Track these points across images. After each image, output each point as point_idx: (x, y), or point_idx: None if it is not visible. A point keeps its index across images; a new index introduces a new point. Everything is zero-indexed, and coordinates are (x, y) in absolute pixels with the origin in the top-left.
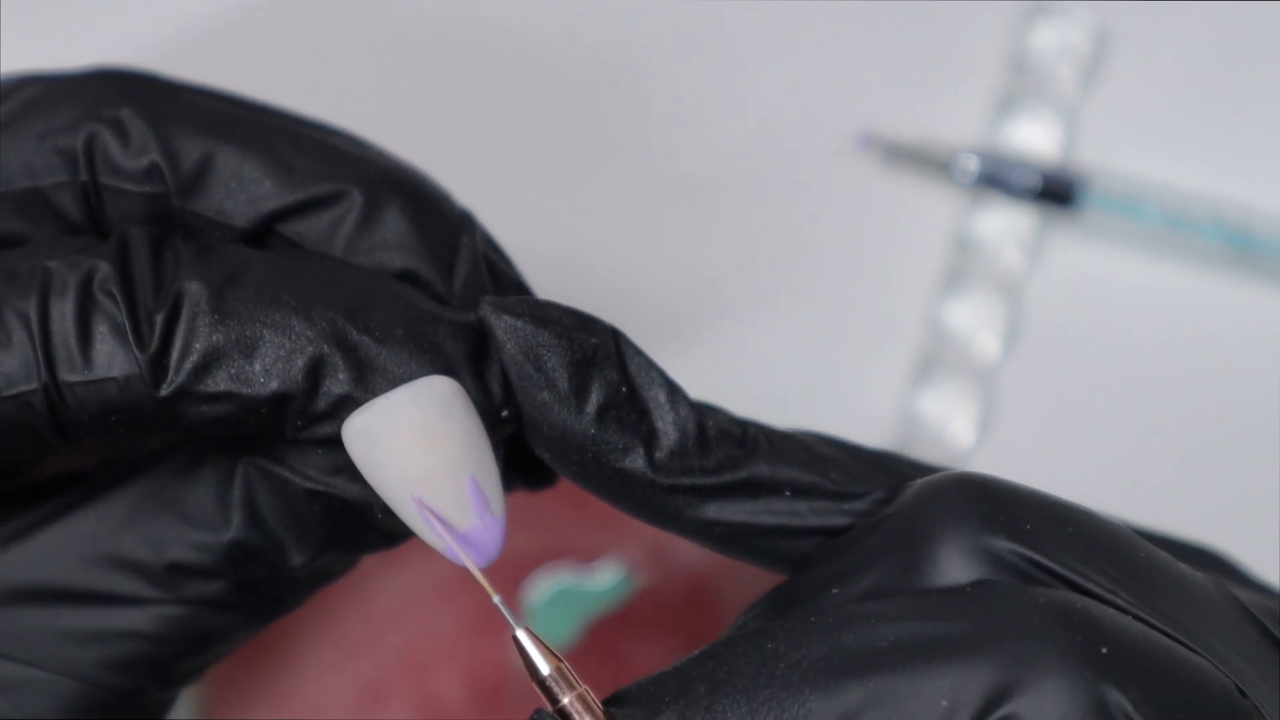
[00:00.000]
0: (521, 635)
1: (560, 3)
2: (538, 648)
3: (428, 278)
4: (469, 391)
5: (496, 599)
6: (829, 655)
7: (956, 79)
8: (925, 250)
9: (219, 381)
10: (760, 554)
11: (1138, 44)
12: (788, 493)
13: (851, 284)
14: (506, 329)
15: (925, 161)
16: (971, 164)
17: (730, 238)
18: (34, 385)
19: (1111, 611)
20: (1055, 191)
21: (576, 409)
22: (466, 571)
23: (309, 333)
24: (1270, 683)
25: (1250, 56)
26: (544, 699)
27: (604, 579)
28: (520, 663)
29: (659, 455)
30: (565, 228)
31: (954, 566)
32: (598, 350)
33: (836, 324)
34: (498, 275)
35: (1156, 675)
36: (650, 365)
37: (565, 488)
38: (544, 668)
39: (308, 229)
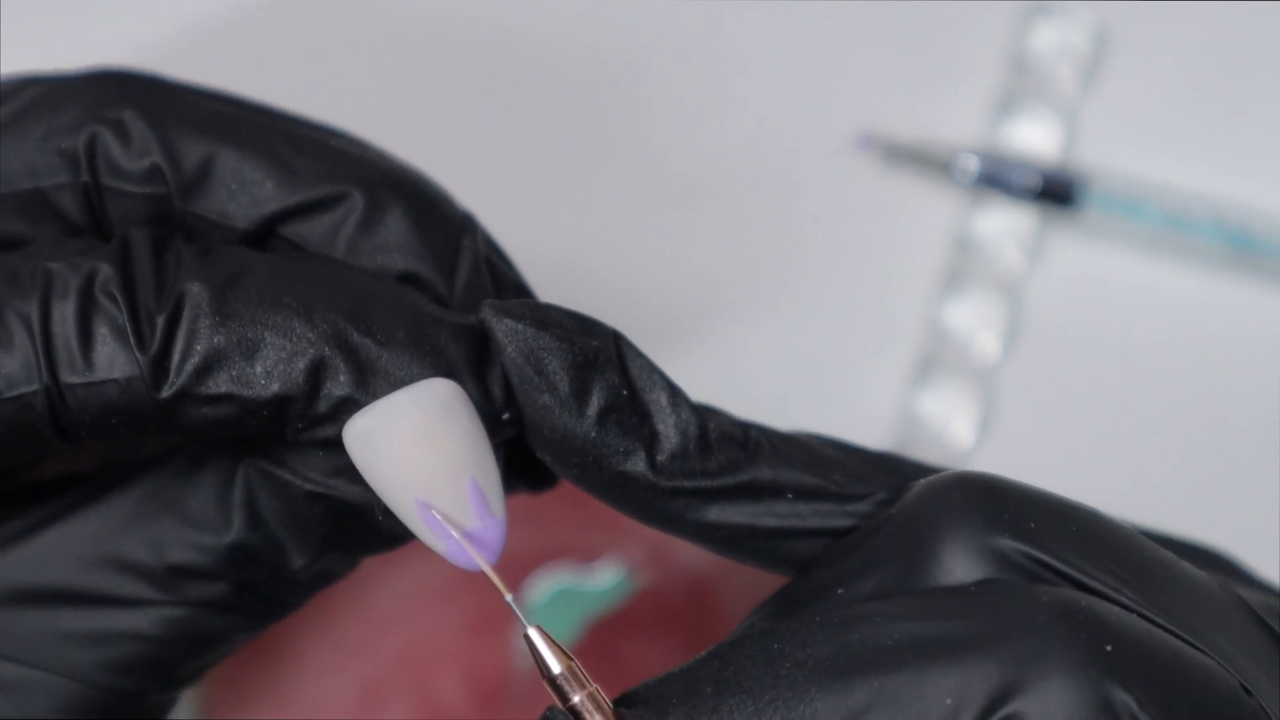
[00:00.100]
0: (533, 634)
1: (560, 3)
2: (549, 646)
3: (429, 280)
4: (470, 394)
5: (509, 597)
6: (834, 655)
7: (956, 79)
8: (925, 250)
9: (220, 383)
10: (762, 556)
11: (1138, 44)
12: (790, 495)
13: (851, 284)
14: (507, 332)
15: (925, 161)
16: (971, 164)
17: (730, 238)
18: (35, 387)
19: (1116, 610)
20: (1055, 191)
21: (577, 412)
22: (466, 573)
23: (310, 335)
24: (1275, 681)
25: (1250, 56)
26: (555, 697)
27: (604, 579)
28: (520, 663)
29: (660, 458)
30: (564, 228)
31: (958, 565)
32: (599, 353)
33: (836, 324)
34: (499, 277)
35: (1161, 674)
36: (651, 368)
37: (566, 488)
38: (555, 666)
39: (309, 231)
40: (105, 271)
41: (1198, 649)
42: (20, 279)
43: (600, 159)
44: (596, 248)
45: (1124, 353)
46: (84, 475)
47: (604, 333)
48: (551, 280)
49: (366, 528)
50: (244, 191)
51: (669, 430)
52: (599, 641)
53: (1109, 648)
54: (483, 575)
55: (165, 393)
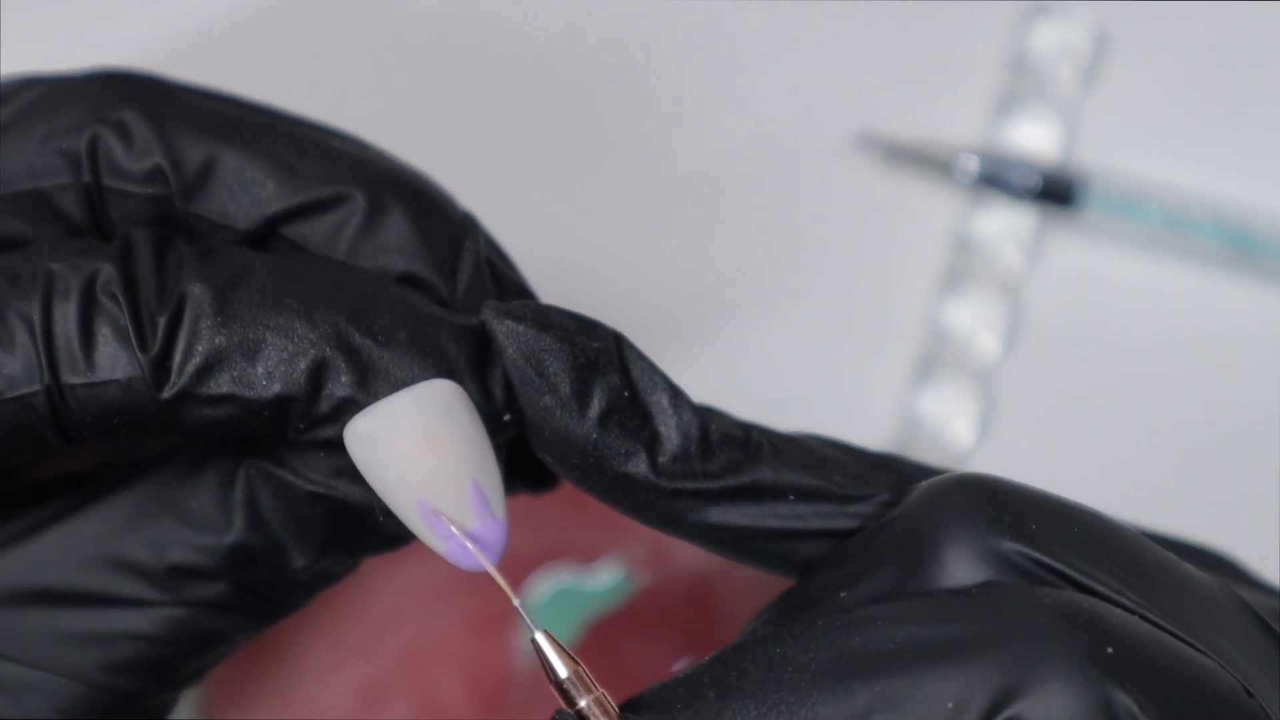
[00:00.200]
0: (540, 638)
1: (560, 3)
2: (556, 651)
3: (430, 281)
4: (471, 395)
5: (516, 601)
6: (836, 659)
7: (956, 79)
8: (925, 250)
9: (221, 384)
10: (764, 557)
11: (1138, 44)
12: (791, 496)
13: (851, 284)
14: (508, 334)
15: (925, 161)
16: (971, 164)
17: (730, 238)
18: (36, 387)
19: (1117, 612)
20: (1055, 191)
21: (578, 414)
22: (466, 573)
23: (311, 335)
24: (1276, 682)
25: (1250, 56)
26: (562, 702)
27: (604, 579)
28: (520, 663)
29: (662, 460)
30: (564, 228)
31: (960, 568)
32: (600, 355)
33: (836, 324)
34: (500, 278)
35: (1162, 676)
36: (653, 369)
37: (566, 488)
38: (562, 671)
39: (310, 232)
40: (107, 272)
41: (1199, 651)
42: (22, 279)
43: (600, 159)
44: (596, 248)
45: (1124, 353)
46: (85, 475)
47: (605, 334)
48: (551, 280)
49: (367, 528)
50: (245, 192)
51: (670, 432)
52: (599, 641)
53: (1110, 650)
54: (484, 575)
55: (167, 393)
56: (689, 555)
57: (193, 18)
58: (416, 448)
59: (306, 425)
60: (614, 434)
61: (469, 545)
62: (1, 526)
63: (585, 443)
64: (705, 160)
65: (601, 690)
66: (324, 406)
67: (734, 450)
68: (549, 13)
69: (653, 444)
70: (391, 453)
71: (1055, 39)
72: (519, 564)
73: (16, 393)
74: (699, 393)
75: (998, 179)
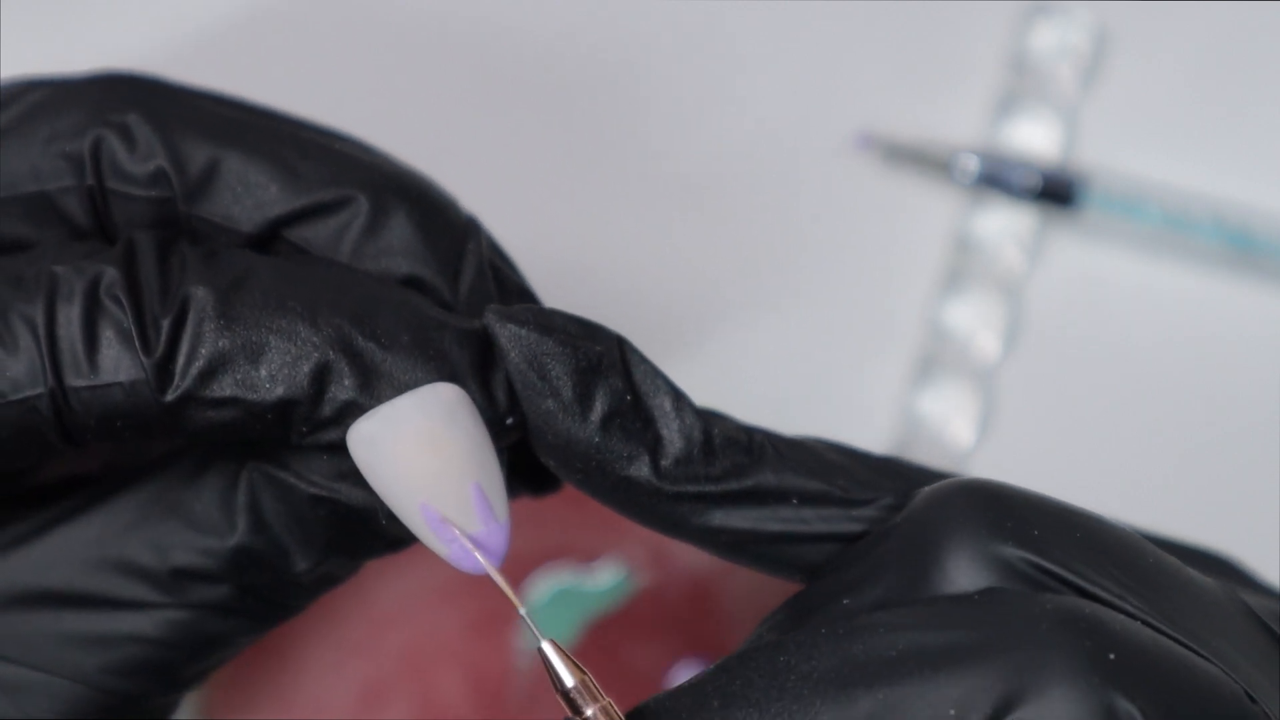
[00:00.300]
0: (547, 647)
1: (560, 3)
2: (562, 660)
3: (433, 284)
4: (474, 398)
5: (523, 610)
6: (839, 666)
7: (956, 79)
8: (925, 250)
9: (224, 387)
10: (767, 561)
11: (1138, 44)
12: (794, 500)
13: (851, 284)
14: (511, 337)
15: (925, 161)
16: (971, 164)
17: (730, 238)
18: (40, 390)
19: (1120, 617)
20: (1055, 191)
21: (581, 417)
22: (467, 574)
23: (315, 339)
24: (1279, 687)
25: (1250, 56)
26: (568, 710)
27: (604, 579)
28: (521, 664)
29: (664, 463)
30: (564, 228)
31: (962, 574)
32: (602, 358)
33: (836, 324)
34: (503, 281)
35: (1165, 682)
36: (655, 373)
37: (567, 488)
38: (569, 680)
39: (314, 234)
40: (110, 275)
41: (1202, 656)
42: (25, 282)
43: (600, 159)
44: (596, 248)
45: (1124, 353)
46: (88, 478)
47: (608, 338)
48: (551, 280)
49: (370, 531)
50: (249, 195)
51: (673, 435)
52: (599, 641)
53: (1112, 656)
54: (485, 577)
55: (170, 396)
56: (689, 556)
57: (193, 18)
58: (419, 451)
59: (309, 428)
60: (616, 437)
61: (472, 549)
62: (4, 528)
63: (587, 446)
64: (705, 160)
65: (607, 699)
66: (327, 410)
67: (737, 454)
68: (549, 13)
69: (655, 447)
70: (394, 456)
71: (1055, 39)
72: (519, 564)
73: (20, 395)
74: (699, 393)
75: (998, 179)
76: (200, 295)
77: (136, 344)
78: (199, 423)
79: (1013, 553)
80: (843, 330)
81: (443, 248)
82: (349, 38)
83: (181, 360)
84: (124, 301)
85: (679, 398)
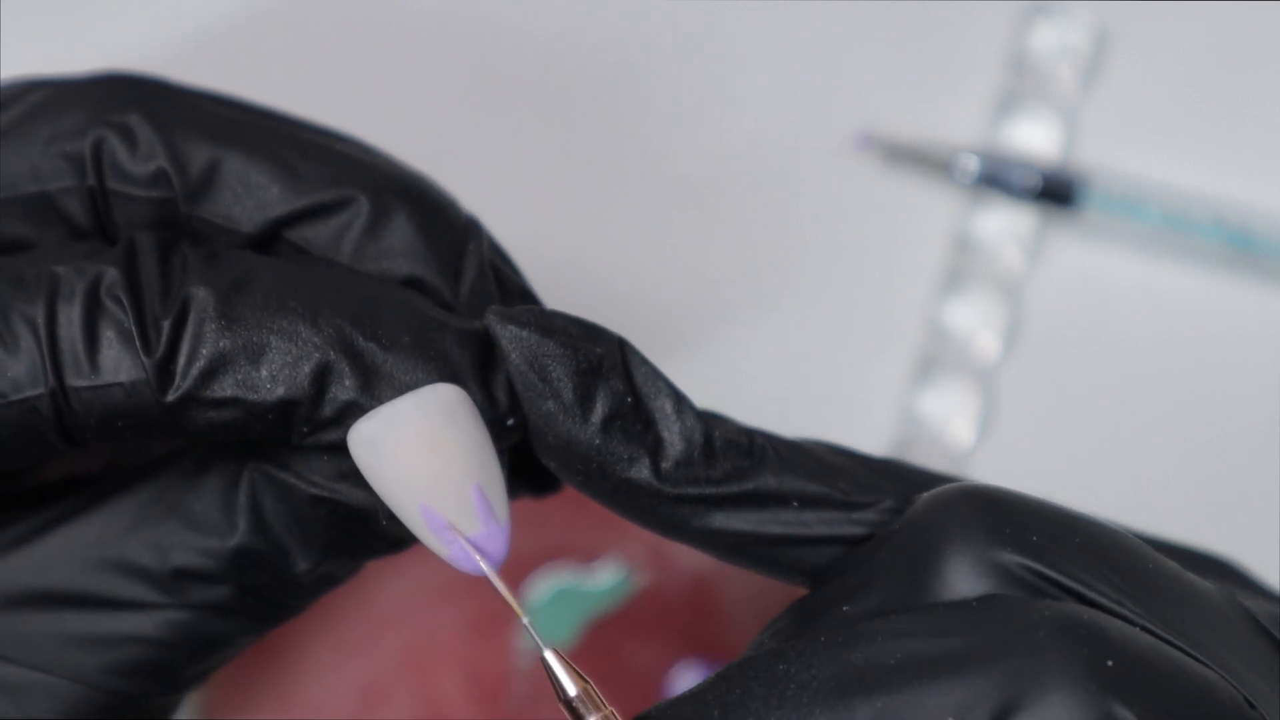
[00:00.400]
0: (549, 656)
1: (560, 3)
2: (565, 669)
3: (434, 284)
4: (475, 399)
5: (526, 620)
6: (838, 675)
7: (956, 79)
8: (925, 250)
9: (225, 387)
10: (768, 563)
11: (1138, 44)
12: (795, 503)
13: (851, 284)
14: (511, 339)
15: (925, 161)
16: (971, 164)
17: (730, 238)
18: (40, 390)
19: (1118, 623)
20: (1055, 191)
21: (581, 419)
22: (467, 574)
23: (315, 339)
24: (1278, 693)
25: (1250, 56)
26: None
27: (604, 579)
28: (521, 664)
29: (665, 465)
30: (564, 228)
31: (961, 580)
32: (603, 360)
33: (836, 324)
34: (504, 282)
35: (1163, 688)
36: (656, 375)
37: (568, 488)
38: (571, 689)
39: (314, 235)
40: (111, 275)
41: (1201, 662)
42: (26, 282)
43: (600, 159)
44: (596, 248)
45: (1124, 353)
46: (88, 478)
47: (609, 339)
48: (551, 280)
49: (370, 532)
50: (249, 195)
51: (674, 437)
52: (599, 641)
53: (1110, 663)
54: (484, 577)
55: (170, 396)
56: (689, 556)
57: (193, 18)
58: (420, 452)
59: (310, 429)
60: (617, 439)
61: (473, 553)
62: (5, 529)
63: (588, 448)
64: (705, 160)
65: (610, 708)
66: (327, 410)
67: (738, 456)
68: (549, 13)
69: (656, 449)
70: (395, 456)
71: (1055, 39)
72: (519, 564)
73: (21, 395)
74: (699, 392)
75: (998, 179)
76: (201, 296)
77: (137, 344)
78: (199, 423)
79: (1011, 559)
80: (843, 330)
81: (443, 248)
82: (349, 38)
83: (182, 360)
84: (125, 302)
85: (680, 400)
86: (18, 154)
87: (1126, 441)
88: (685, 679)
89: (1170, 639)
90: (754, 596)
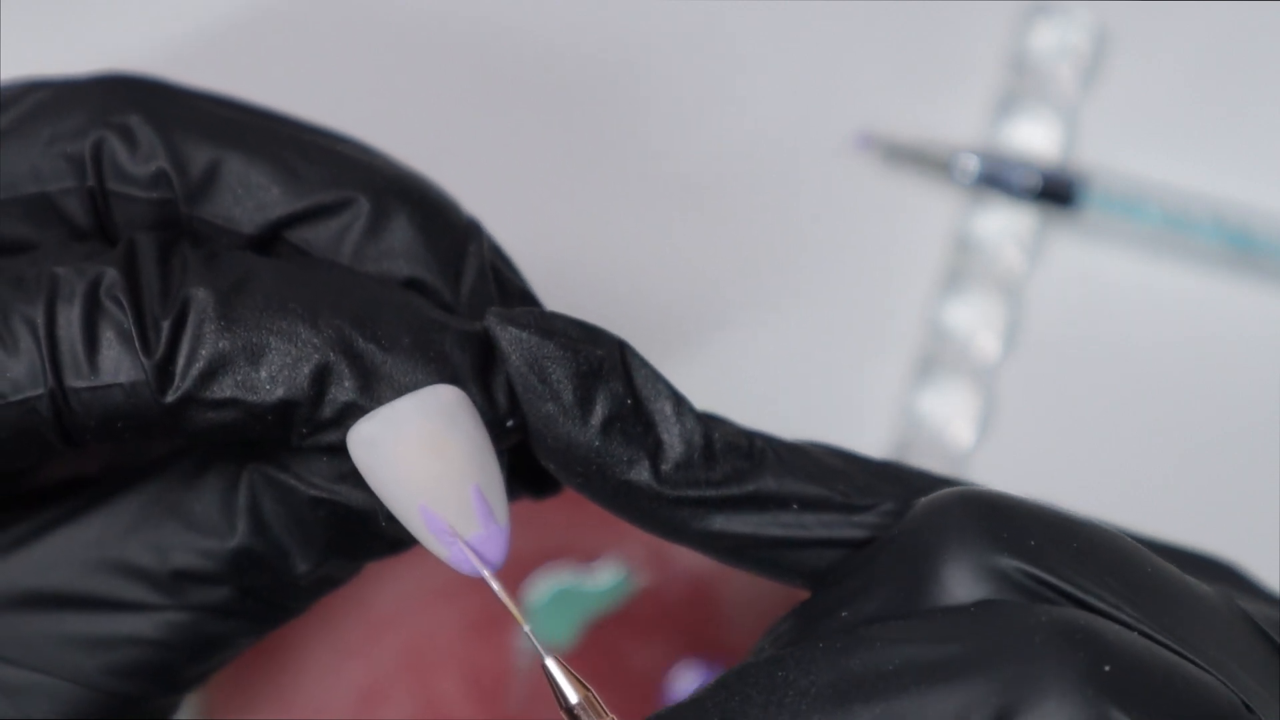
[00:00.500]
0: (551, 664)
1: (560, 3)
2: (566, 677)
3: (434, 286)
4: (475, 401)
5: (527, 628)
6: (836, 681)
7: (956, 79)
8: (925, 250)
9: (225, 388)
10: (767, 566)
11: (1138, 44)
12: (795, 505)
13: (851, 284)
14: (512, 340)
15: (925, 161)
16: (971, 164)
17: (730, 238)
18: (40, 391)
19: (1116, 628)
20: (1055, 191)
21: (581, 421)
22: (466, 575)
23: (315, 340)
24: (1277, 697)
25: (1250, 56)
26: None
27: (604, 579)
28: (520, 664)
29: (665, 468)
30: (564, 229)
31: (959, 585)
32: (603, 362)
33: (836, 324)
34: (504, 283)
35: (1161, 693)
36: (656, 377)
37: (568, 489)
38: (572, 697)
39: (315, 236)
40: (111, 276)
41: (1199, 666)
42: (26, 283)
43: (600, 159)
44: (596, 248)
45: (1124, 353)
46: (88, 479)
47: (609, 341)
48: (551, 280)
49: (370, 533)
50: (250, 197)
51: (673, 439)
52: (599, 642)
53: (1107, 668)
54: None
55: (170, 397)
56: (689, 557)
57: (193, 18)
58: (420, 453)
59: (310, 430)
60: (617, 441)
61: (473, 557)
62: (4, 530)
63: (588, 450)
64: (705, 160)
65: (612, 716)
66: (327, 411)
67: (738, 458)
68: (549, 13)
69: (656, 452)
70: (394, 458)
71: (1055, 39)
72: (519, 564)
73: (20, 396)
74: (699, 392)
75: (998, 179)
76: (201, 296)
77: (137, 345)
78: (199, 424)
79: (1009, 563)
80: (843, 330)
81: (444, 250)
82: (349, 38)
83: (182, 361)
84: (124, 303)
85: (680, 402)
86: (18, 154)
87: (1126, 441)
88: (685, 679)
89: (1168, 643)
90: (754, 597)
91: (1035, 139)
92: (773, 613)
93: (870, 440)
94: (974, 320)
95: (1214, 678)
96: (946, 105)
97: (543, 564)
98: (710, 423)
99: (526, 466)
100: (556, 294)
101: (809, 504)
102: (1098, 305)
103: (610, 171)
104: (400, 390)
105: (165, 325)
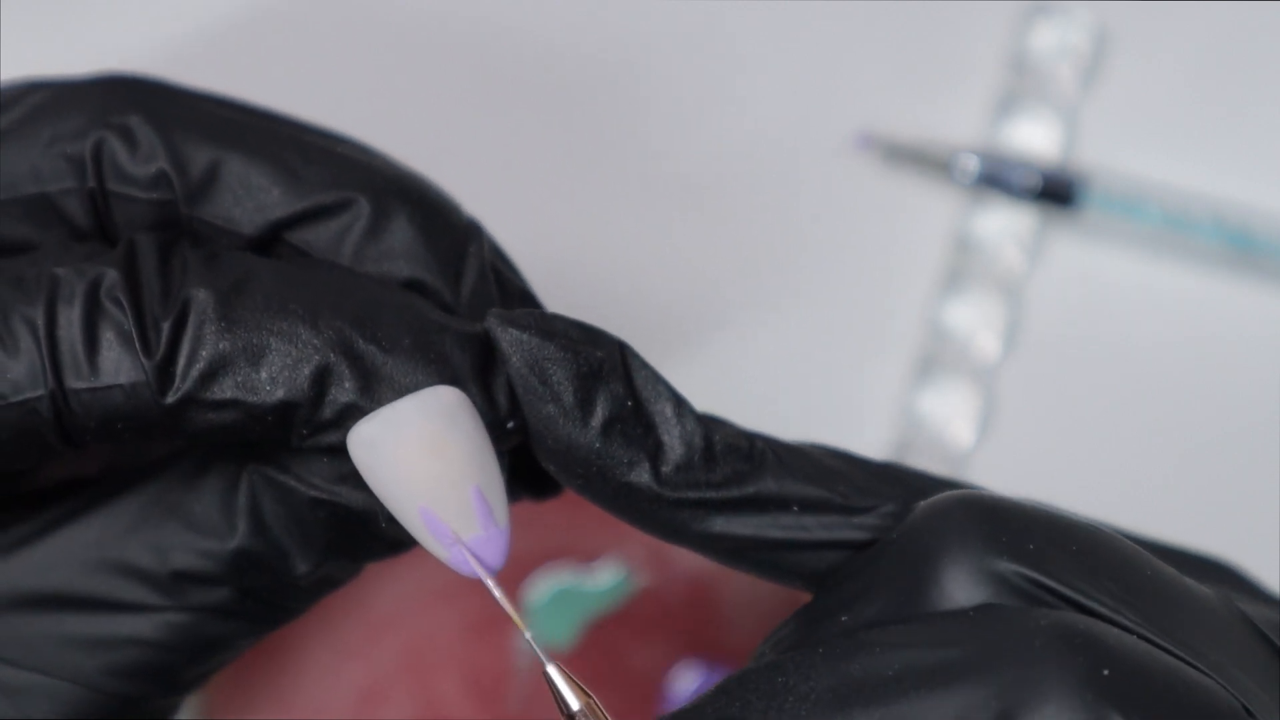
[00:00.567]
0: (552, 671)
1: (560, 3)
2: (568, 684)
3: (435, 287)
4: (475, 402)
5: (528, 636)
6: (836, 687)
7: (956, 79)
8: (925, 250)
9: (225, 389)
10: (768, 568)
11: (1138, 44)
12: (795, 507)
13: (851, 284)
14: (512, 342)
15: (925, 161)
16: (971, 164)
17: (730, 238)
18: (40, 392)
19: (1115, 632)
20: (1055, 191)
21: (581, 422)
22: (466, 576)
23: (315, 341)
24: (1277, 700)
25: (1250, 56)
26: None
27: (604, 579)
28: (520, 664)
29: (665, 469)
30: (564, 229)
31: (958, 590)
32: (604, 364)
33: (836, 324)
34: (505, 284)
35: (1160, 697)
36: (657, 379)
37: (567, 489)
38: (574, 704)
39: (315, 237)
40: (111, 277)
41: (1199, 670)
42: (26, 284)
43: (600, 159)
44: (596, 248)
45: (1124, 353)
46: (88, 480)
47: (609, 343)
48: (551, 281)
49: (370, 534)
50: (250, 197)
51: (674, 441)
52: (599, 641)
53: (1106, 672)
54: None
55: (170, 398)
56: (689, 557)
57: (193, 18)
58: (420, 454)
59: (310, 431)
60: (617, 443)
61: (472, 560)
62: (4, 530)
63: (588, 452)
64: (705, 160)
65: None
66: (327, 412)
67: (738, 460)
68: (549, 13)
69: (656, 453)
70: (395, 459)
71: (1055, 39)
72: (519, 564)
73: (20, 397)
74: (699, 392)
75: (998, 179)
76: (201, 297)
77: (137, 346)
78: (199, 425)
79: (1008, 567)
80: (843, 330)
81: (444, 251)
82: (349, 38)
83: (182, 362)
84: (125, 303)
85: (680, 404)
86: (18, 155)
87: (1126, 441)
88: (685, 679)
89: (1168, 646)
90: (754, 597)
91: (1035, 139)
92: (773, 613)
93: (870, 440)
94: (974, 320)
95: (1214, 681)
96: (946, 105)
97: (543, 564)
98: (711, 424)
99: (527, 468)
100: (556, 294)
101: (809, 506)
102: (1098, 305)
103: (610, 171)
104: (400, 391)
105: (165, 326)
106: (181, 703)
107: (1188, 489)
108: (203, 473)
